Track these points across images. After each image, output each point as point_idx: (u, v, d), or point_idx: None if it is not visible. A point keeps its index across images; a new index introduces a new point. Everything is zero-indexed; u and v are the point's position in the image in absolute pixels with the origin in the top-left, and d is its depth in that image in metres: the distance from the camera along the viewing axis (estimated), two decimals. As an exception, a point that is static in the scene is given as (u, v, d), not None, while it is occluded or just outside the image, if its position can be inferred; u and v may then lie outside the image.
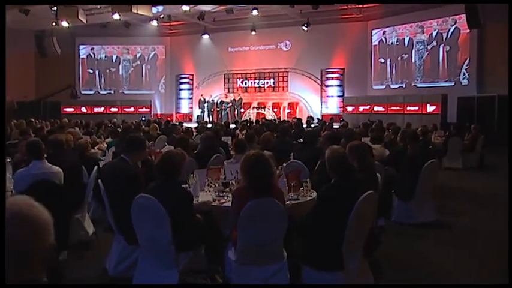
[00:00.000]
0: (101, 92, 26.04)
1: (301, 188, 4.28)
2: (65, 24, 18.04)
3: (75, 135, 6.92)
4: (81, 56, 26.06)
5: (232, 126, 14.13)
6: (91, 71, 26.11)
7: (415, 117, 17.30)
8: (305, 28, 21.15)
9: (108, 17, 17.62)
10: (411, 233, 5.63)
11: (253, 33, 22.47)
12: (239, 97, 22.36)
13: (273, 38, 22.97)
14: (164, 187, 3.68)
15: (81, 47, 25.96)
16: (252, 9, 20.07)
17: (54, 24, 18.09)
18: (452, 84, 18.04)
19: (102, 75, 26.13)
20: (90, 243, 5.21)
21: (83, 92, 25.82)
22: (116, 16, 16.76)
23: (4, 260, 1.28)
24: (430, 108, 17.37)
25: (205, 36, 23.76)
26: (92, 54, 26.11)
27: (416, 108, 17.80)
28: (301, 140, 7.67)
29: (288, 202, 3.93)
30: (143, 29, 22.86)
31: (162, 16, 20.80)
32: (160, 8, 19.51)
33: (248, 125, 13.10)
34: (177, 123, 17.09)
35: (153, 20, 21.28)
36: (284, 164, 5.31)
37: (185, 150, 4.92)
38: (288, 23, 21.97)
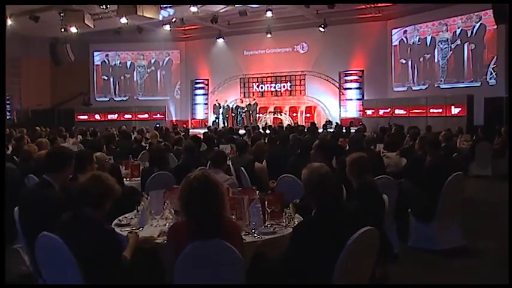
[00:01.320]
0: (115, 99, 25.71)
1: (284, 215, 3.34)
2: (73, 30, 17.70)
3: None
4: (95, 63, 25.81)
5: (243, 131, 13.42)
6: (106, 78, 25.82)
7: (439, 120, 16.39)
8: (322, 29, 20.39)
9: (116, 22, 17.18)
10: (432, 262, 4.71)
11: (269, 35, 21.85)
12: (254, 101, 21.69)
13: (289, 40, 22.26)
14: (78, 222, 2.79)
15: (95, 53, 25.71)
16: (266, 11, 19.39)
17: (63, 30, 17.76)
18: (479, 84, 17.00)
19: (117, 82, 25.82)
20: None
21: (97, 99, 25.63)
22: (124, 20, 16.33)
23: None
24: (454, 110, 16.38)
25: (220, 40, 23.19)
26: (107, 61, 25.83)
27: (440, 110, 16.81)
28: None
29: (258, 237, 3.05)
30: (157, 34, 22.43)
31: (174, 20, 20.29)
32: (171, 11, 19.02)
33: (259, 130, 12.33)
34: (173, 130, 16.58)
35: (165, 24, 20.81)
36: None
37: (160, 165, 4.20)
38: (304, 25, 21.26)
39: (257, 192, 3.71)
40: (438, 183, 4.63)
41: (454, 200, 4.87)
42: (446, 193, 4.68)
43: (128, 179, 5.29)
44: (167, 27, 21.09)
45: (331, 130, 14.33)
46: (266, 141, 7.69)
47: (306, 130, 12.30)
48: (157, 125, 22.30)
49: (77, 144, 9.55)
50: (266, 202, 3.27)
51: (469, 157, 10.13)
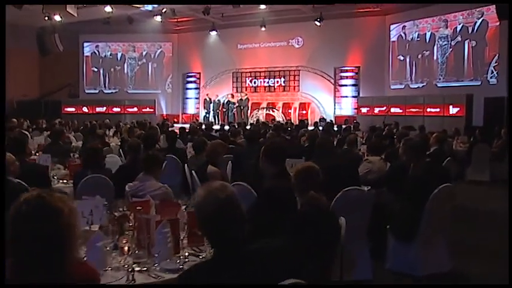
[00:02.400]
0: (105, 91, 24.95)
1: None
2: (58, 18, 16.94)
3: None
4: (85, 54, 25.01)
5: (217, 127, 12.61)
6: (95, 70, 25.04)
7: (436, 120, 15.68)
8: (318, 23, 19.59)
9: (100, 10, 16.39)
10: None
11: (263, 29, 21.06)
12: (246, 97, 20.92)
13: (284, 34, 21.47)
14: None
15: (85, 44, 24.91)
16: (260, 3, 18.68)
17: (47, 18, 17.01)
18: (479, 83, 16.24)
19: (107, 74, 25.04)
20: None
21: (87, 91, 24.92)
22: (108, 9, 15.54)
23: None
24: (452, 110, 15.64)
25: (213, 33, 22.38)
26: (97, 52, 25.05)
27: (438, 110, 16.09)
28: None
29: (154, 276, 2.26)
30: (149, 25, 21.62)
31: (164, 10, 19.50)
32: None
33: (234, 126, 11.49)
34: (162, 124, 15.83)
35: (156, 15, 20.05)
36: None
37: (95, 167, 3.47)
38: (299, 18, 20.49)
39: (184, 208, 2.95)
40: (422, 197, 3.84)
41: (441, 216, 4.05)
42: (432, 209, 3.85)
43: (65, 182, 4.57)
44: (158, 18, 20.31)
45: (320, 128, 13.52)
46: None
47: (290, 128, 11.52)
48: (145, 119, 21.70)
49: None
50: (185, 222, 2.49)
51: (466, 161, 9.41)
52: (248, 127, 12.45)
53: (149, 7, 18.85)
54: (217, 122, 20.68)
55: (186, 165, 5.00)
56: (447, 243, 4.19)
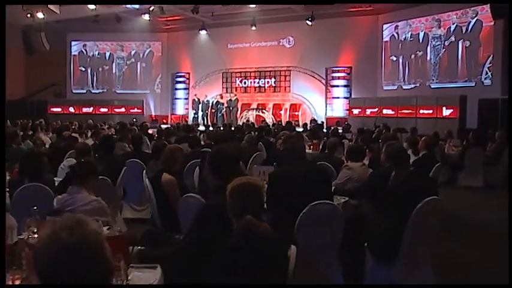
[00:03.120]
0: (93, 91, 24.43)
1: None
2: (40, 15, 16.42)
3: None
4: (72, 53, 24.48)
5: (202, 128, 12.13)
6: (83, 69, 24.52)
7: (429, 122, 15.27)
8: (309, 23, 19.17)
9: (84, 8, 15.87)
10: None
11: (254, 28, 20.60)
12: (235, 97, 20.43)
13: (275, 34, 21.02)
14: None
15: (73, 43, 24.38)
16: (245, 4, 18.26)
17: (29, 16, 16.50)
18: (473, 84, 15.84)
19: (95, 74, 24.51)
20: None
21: (74, 91, 24.41)
22: (92, 6, 15.03)
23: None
24: (446, 112, 15.21)
25: (203, 32, 21.93)
26: (84, 51, 24.53)
27: (431, 111, 15.65)
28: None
29: None
30: (137, 24, 21.11)
31: (152, 8, 19.00)
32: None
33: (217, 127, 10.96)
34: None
35: (144, 13, 19.56)
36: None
37: (32, 174, 2.97)
38: (290, 17, 20.04)
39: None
40: (404, 211, 3.34)
41: (426, 233, 3.53)
42: (415, 225, 3.34)
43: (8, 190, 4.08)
44: (146, 17, 19.83)
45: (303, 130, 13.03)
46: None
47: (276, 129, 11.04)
48: (134, 120, 21.20)
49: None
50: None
51: (458, 165, 8.96)
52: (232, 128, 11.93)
53: (136, 5, 18.36)
54: (206, 123, 20.21)
55: (144, 171, 4.53)
56: (433, 263, 3.71)
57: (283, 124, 15.90)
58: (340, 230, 3.29)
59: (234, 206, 2.29)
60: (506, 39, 14.51)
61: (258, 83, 21.70)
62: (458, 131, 13.87)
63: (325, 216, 3.19)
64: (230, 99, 20.33)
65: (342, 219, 3.31)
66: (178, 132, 9.35)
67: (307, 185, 3.37)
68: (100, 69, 24.44)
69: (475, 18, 15.89)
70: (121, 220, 5.12)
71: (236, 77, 22.11)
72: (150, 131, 11.79)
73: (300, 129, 13.80)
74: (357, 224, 3.60)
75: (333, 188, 4.11)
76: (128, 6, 17.99)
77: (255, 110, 20.74)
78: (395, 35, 18.64)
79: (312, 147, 8.61)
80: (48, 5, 14.57)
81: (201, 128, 14.50)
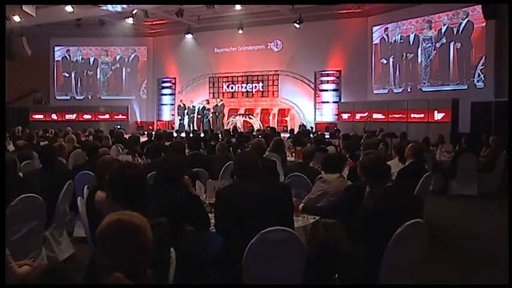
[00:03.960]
0: (77, 98, 23.75)
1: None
2: (17, 19, 15.77)
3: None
4: (56, 58, 23.81)
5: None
6: (66, 75, 23.84)
7: (421, 126, 14.78)
8: (297, 25, 18.66)
9: (61, 11, 15.22)
10: None
11: (241, 31, 20.09)
12: (221, 102, 19.82)
13: (263, 37, 20.48)
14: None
15: (56, 48, 23.72)
16: (235, 3, 17.69)
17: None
18: (465, 87, 15.35)
19: (79, 79, 23.85)
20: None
21: (57, 98, 23.72)
22: (69, 8, 14.41)
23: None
24: (438, 116, 14.69)
25: (189, 36, 21.38)
26: (68, 56, 23.87)
27: (422, 115, 15.12)
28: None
29: None
30: (122, 28, 20.50)
31: (134, 11, 18.40)
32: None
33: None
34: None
35: (128, 17, 18.95)
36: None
37: None
38: (278, 20, 19.54)
39: None
40: (381, 236, 2.71)
41: (406, 261, 2.90)
42: (393, 253, 2.71)
43: None
44: (130, 21, 19.22)
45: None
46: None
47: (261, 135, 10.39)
48: (119, 127, 20.58)
49: None
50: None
51: (450, 172, 8.39)
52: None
53: (118, 8, 17.75)
54: (192, 129, 19.58)
55: (86, 187, 3.90)
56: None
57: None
58: (301, 261, 2.68)
59: (105, 254, 1.69)
60: (499, 40, 14.08)
61: (246, 87, 21.15)
62: (451, 135, 13.36)
63: (279, 245, 2.59)
64: (216, 105, 19.73)
65: (303, 248, 2.69)
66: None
67: (260, 206, 2.78)
68: (84, 74, 23.80)
69: (466, 19, 15.43)
70: (67, 241, 4.51)
71: (223, 82, 21.57)
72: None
73: (287, 135, 13.19)
74: (325, 251, 3.01)
75: (300, 206, 3.53)
76: (110, 8, 17.35)
77: (241, 116, 20.09)
78: (385, 37, 18.15)
79: (294, 154, 8.03)
80: (23, 8, 13.88)
81: (182, 134, 13.91)
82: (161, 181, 3.00)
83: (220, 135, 11.67)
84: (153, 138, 9.34)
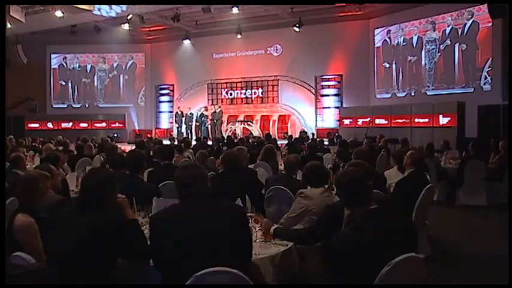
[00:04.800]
0: (74, 106, 23.32)
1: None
2: (7, 25, 15.29)
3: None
4: (52, 66, 23.41)
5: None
6: (63, 83, 23.43)
7: (425, 132, 14.14)
8: (297, 29, 18.15)
9: (51, 16, 14.73)
10: None
11: (239, 36, 19.60)
12: (219, 109, 19.26)
13: (262, 42, 19.99)
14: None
15: (52, 56, 23.32)
16: (232, 7, 17.17)
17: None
18: (471, 90, 14.72)
19: (76, 87, 23.43)
20: None
21: (54, 106, 23.29)
22: (59, 13, 13.93)
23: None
24: (443, 120, 14.04)
25: (187, 42, 20.94)
26: (65, 64, 23.48)
27: (426, 120, 14.47)
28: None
29: None
30: (119, 34, 20.07)
31: (129, 17, 17.92)
32: (123, 6, 16.70)
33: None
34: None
35: (124, 23, 18.49)
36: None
37: None
38: (277, 24, 19.03)
39: None
40: (365, 272, 2.13)
41: None
42: None
43: None
44: (126, 27, 18.77)
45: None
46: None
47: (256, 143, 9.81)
48: (115, 135, 20.11)
49: None
50: None
51: (457, 181, 7.76)
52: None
53: (112, 13, 17.28)
54: (189, 136, 19.03)
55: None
56: None
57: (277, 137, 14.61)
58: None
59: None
60: (506, 40, 13.44)
61: (245, 93, 20.61)
62: (457, 140, 12.72)
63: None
64: (214, 112, 19.18)
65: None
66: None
67: (203, 235, 2.18)
68: (81, 82, 23.38)
69: (471, 20, 14.84)
70: None
71: (222, 88, 21.06)
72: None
73: (284, 142, 12.59)
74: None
75: (272, 228, 2.92)
76: (104, 14, 16.87)
77: (239, 123, 19.51)
78: (388, 40, 17.57)
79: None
80: (11, 13, 13.41)
81: (166, 142, 13.42)
82: (83, 201, 2.41)
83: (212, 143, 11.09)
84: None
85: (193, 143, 12.35)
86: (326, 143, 11.70)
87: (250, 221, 2.83)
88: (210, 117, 19.18)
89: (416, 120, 14.75)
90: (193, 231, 2.18)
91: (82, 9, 13.22)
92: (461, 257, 5.12)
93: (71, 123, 21.77)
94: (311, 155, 7.37)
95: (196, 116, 19.80)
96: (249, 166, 7.10)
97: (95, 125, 21.74)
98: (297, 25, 18.18)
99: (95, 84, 23.36)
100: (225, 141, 10.47)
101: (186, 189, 2.33)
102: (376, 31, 17.89)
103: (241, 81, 20.64)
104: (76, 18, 15.87)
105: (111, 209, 2.37)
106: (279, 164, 7.11)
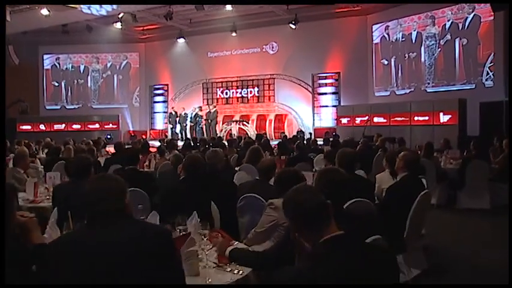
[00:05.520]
0: (67, 107, 22.88)
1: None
2: (-7, 24, 14.83)
3: None
4: (45, 67, 22.97)
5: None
6: (56, 84, 22.99)
7: (425, 130, 13.62)
8: (293, 26, 17.69)
9: (36, 14, 14.27)
10: None
11: (234, 34, 19.13)
12: (214, 109, 18.79)
13: (257, 40, 19.50)
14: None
15: (45, 56, 22.88)
16: (226, 4, 16.72)
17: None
18: (473, 86, 14.23)
19: (69, 88, 22.99)
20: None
21: (47, 107, 22.87)
22: (45, 11, 13.46)
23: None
24: (443, 118, 13.53)
25: (181, 41, 20.48)
26: (57, 65, 23.05)
27: (426, 118, 13.96)
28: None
29: None
30: (112, 34, 19.65)
31: (121, 15, 17.45)
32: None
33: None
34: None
35: (116, 22, 18.04)
36: None
37: None
38: (273, 21, 18.56)
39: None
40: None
41: None
42: None
43: None
44: (118, 25, 18.31)
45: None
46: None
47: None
48: (108, 136, 19.64)
49: None
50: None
51: (458, 182, 7.26)
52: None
53: (103, 11, 16.82)
54: (184, 137, 18.58)
55: None
56: None
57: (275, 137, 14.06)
58: None
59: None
60: (507, 33, 12.93)
61: (241, 93, 20.13)
62: (459, 139, 12.21)
63: None
64: (209, 111, 18.71)
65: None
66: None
67: (111, 267, 1.67)
68: (74, 83, 22.96)
69: (472, 14, 14.35)
70: None
71: (217, 88, 20.59)
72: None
73: (276, 142, 12.07)
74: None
75: (228, 250, 2.43)
76: (95, 12, 16.42)
77: (236, 123, 19.02)
78: (386, 36, 17.07)
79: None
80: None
81: (180, 142, 13.03)
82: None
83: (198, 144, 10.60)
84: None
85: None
86: (320, 142, 11.19)
87: (203, 239, 2.34)
88: (204, 117, 18.71)
89: (416, 118, 14.25)
90: (93, 264, 1.68)
91: (69, 6, 12.74)
92: (462, 272, 4.61)
93: (63, 125, 21.31)
94: (300, 156, 6.88)
95: (191, 117, 19.33)
96: (236, 168, 6.65)
97: (89, 126, 21.28)
98: (293, 22, 17.76)
99: (89, 84, 22.93)
100: (211, 144, 9.90)
101: (92, 207, 1.84)
102: (374, 27, 17.39)
103: (236, 80, 20.18)
104: (64, 17, 15.44)
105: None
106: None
